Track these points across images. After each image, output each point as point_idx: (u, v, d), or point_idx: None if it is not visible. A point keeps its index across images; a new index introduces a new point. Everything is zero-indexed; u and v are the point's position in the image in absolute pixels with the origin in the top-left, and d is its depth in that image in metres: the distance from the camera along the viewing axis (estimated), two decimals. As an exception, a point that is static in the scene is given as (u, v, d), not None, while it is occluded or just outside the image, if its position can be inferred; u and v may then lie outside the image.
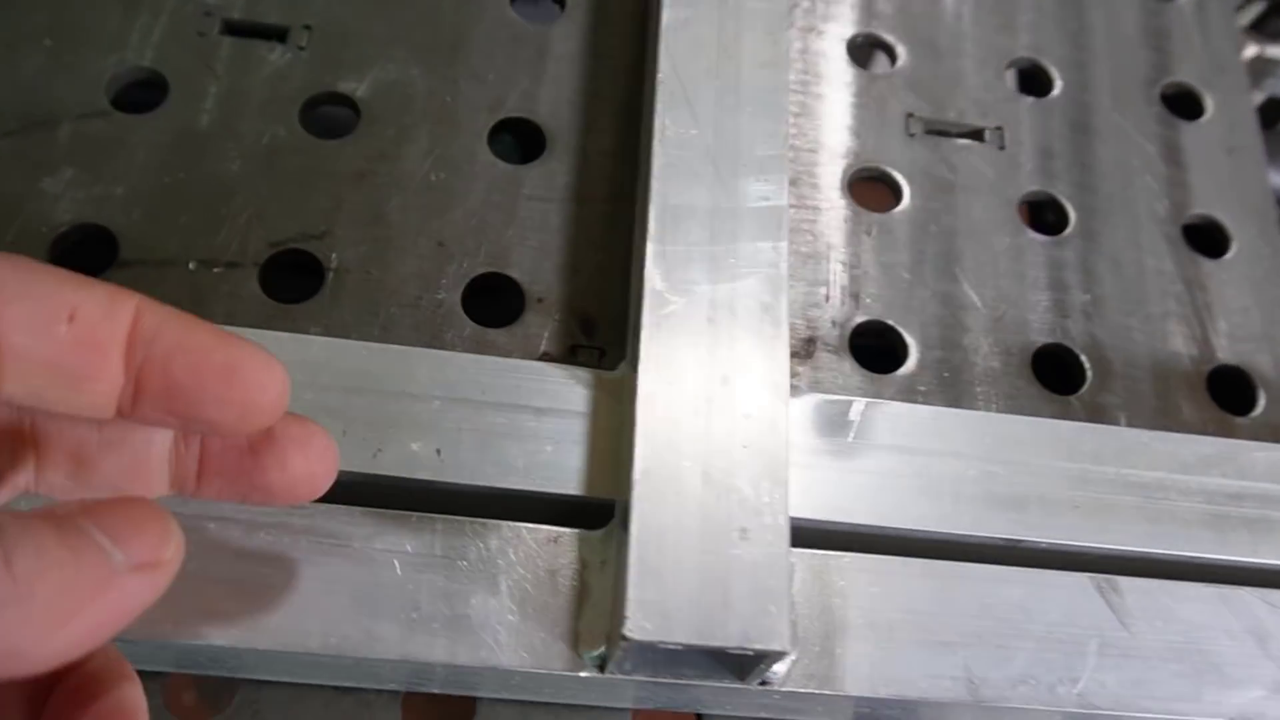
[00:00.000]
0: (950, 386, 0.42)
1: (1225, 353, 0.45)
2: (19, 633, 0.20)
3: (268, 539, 0.32)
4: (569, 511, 0.34)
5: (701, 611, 0.29)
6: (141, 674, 0.33)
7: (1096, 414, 0.42)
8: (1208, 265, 0.47)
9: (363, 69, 0.44)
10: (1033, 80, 0.51)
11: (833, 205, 0.45)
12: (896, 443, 0.36)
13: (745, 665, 0.31)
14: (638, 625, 0.29)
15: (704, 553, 0.30)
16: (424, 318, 0.40)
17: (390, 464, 0.33)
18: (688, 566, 0.30)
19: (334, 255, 0.40)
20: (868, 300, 0.43)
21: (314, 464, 0.27)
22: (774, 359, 0.34)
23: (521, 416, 0.34)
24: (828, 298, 0.42)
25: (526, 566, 0.33)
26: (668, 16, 0.38)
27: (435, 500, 0.33)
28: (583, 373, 0.36)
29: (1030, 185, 0.47)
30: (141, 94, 0.42)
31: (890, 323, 0.42)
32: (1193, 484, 0.37)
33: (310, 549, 0.32)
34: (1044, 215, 0.48)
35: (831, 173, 0.45)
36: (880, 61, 0.50)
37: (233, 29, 0.44)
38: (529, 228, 0.42)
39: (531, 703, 0.34)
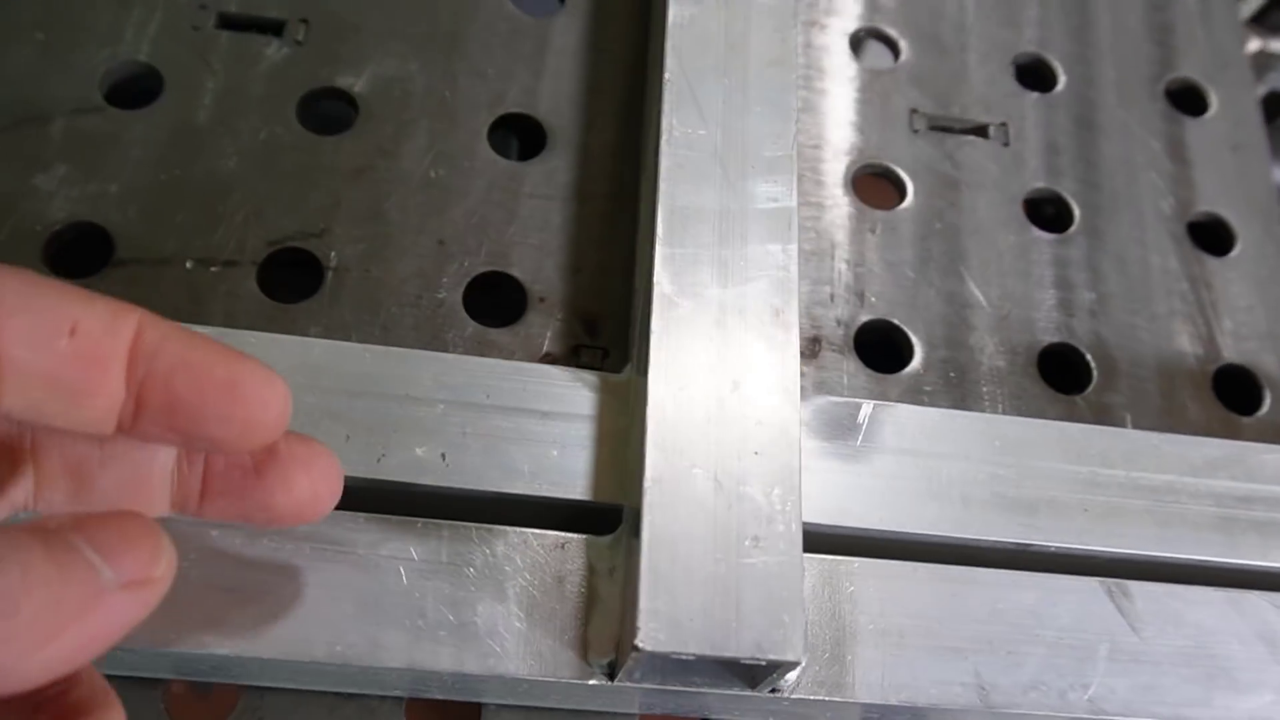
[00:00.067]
0: (956, 386, 0.41)
1: (1230, 352, 0.44)
2: (1, 650, 0.19)
3: (270, 545, 0.31)
4: (575, 516, 0.34)
5: (714, 622, 0.29)
6: (141, 680, 0.33)
7: (1102, 413, 0.42)
8: (1212, 263, 0.46)
9: (360, 64, 0.43)
10: (1037, 75, 0.50)
11: (836, 202, 0.44)
12: (905, 446, 0.36)
13: (757, 675, 0.30)
14: (650, 636, 0.28)
15: (716, 562, 0.30)
16: (424, 317, 0.39)
17: (395, 469, 0.33)
18: (700, 576, 0.29)
19: (333, 254, 0.39)
20: (872, 299, 0.42)
21: (319, 484, 0.27)
22: (784, 363, 0.33)
23: (527, 420, 0.34)
24: (832, 296, 0.42)
25: (534, 573, 0.32)
26: (674, 13, 0.38)
27: (440, 505, 0.33)
28: (588, 375, 0.35)
29: (1035, 182, 0.46)
30: (136, 89, 0.41)
31: (895, 321, 0.42)
32: (1202, 487, 0.36)
33: (314, 556, 0.31)
34: (1042, 210, 0.47)
35: (835, 169, 0.45)
36: (883, 56, 0.50)
37: (228, 23, 0.43)
38: (530, 226, 0.41)
39: (537, 708, 0.34)
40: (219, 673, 0.32)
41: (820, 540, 0.34)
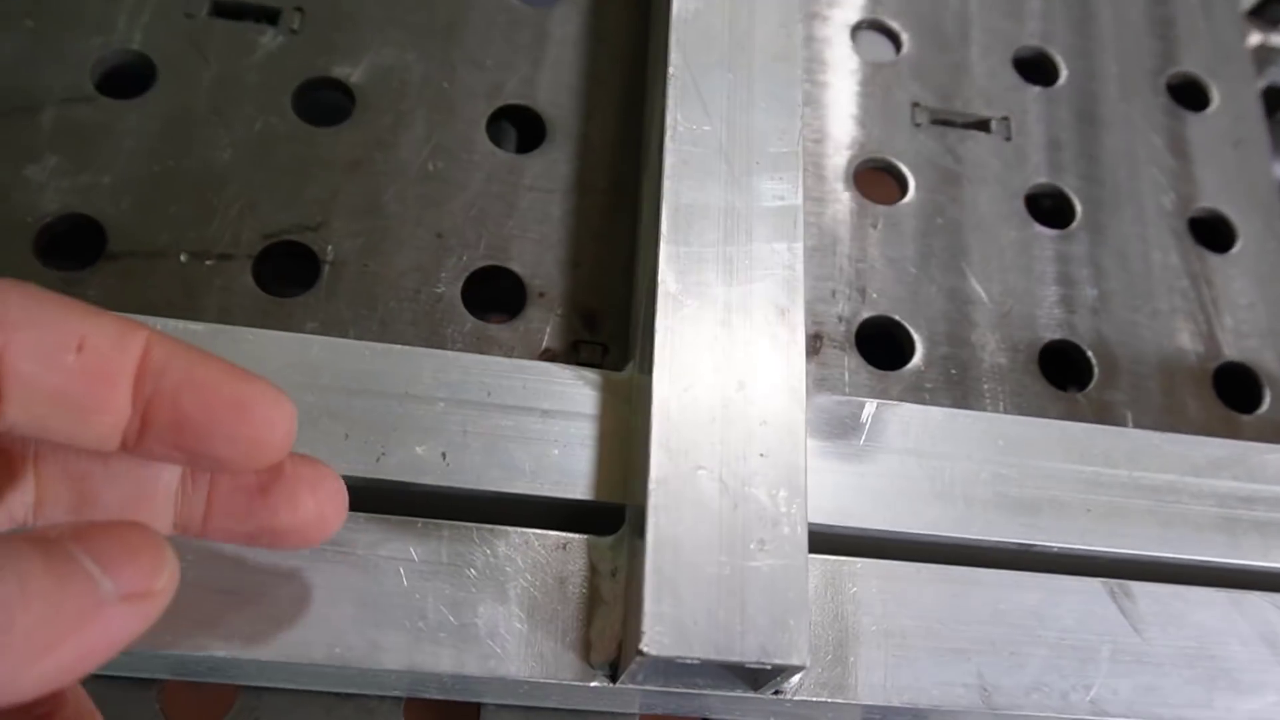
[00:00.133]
0: (957, 383, 0.41)
1: (1231, 349, 0.44)
2: None
3: (269, 546, 0.31)
4: (576, 515, 0.33)
5: (719, 625, 0.29)
6: (137, 681, 0.32)
7: (1103, 411, 0.42)
8: (1214, 260, 0.46)
9: (357, 53, 0.42)
10: (1039, 69, 0.50)
11: (838, 197, 0.44)
12: (908, 445, 0.35)
13: (761, 678, 0.30)
14: (655, 640, 0.28)
15: (721, 564, 0.29)
16: (423, 312, 0.39)
17: (394, 468, 0.32)
18: (705, 579, 0.29)
19: (330, 247, 0.39)
20: (874, 295, 0.42)
21: (325, 505, 0.27)
22: (790, 364, 0.33)
23: (528, 419, 0.34)
24: (834, 293, 0.42)
25: (535, 573, 0.32)
26: (678, 7, 0.37)
27: (440, 505, 0.33)
28: (589, 373, 0.35)
29: (1037, 177, 0.46)
30: (128, 78, 0.41)
31: (897, 318, 0.42)
32: (1204, 487, 0.36)
33: (312, 556, 0.31)
34: (1040, 204, 0.47)
35: (836, 164, 0.45)
36: (885, 49, 0.49)
37: (222, 10, 0.42)
38: (529, 219, 0.41)
39: (536, 709, 0.34)
40: (216, 673, 0.32)
41: (823, 540, 0.34)
